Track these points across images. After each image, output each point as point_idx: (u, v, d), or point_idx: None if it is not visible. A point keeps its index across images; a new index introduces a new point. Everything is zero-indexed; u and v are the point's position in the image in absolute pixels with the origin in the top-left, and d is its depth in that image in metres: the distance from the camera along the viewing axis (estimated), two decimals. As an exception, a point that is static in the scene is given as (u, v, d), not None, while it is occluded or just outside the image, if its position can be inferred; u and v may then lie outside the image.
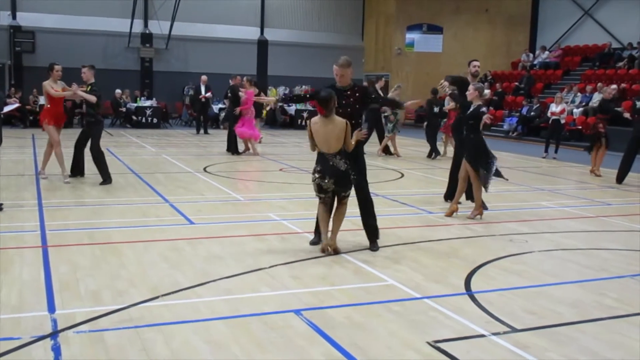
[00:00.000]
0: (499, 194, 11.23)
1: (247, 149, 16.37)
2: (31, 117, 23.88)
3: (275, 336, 4.55)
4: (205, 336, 4.52)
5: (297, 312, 5.03)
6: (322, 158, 6.74)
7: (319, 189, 6.78)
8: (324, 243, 6.82)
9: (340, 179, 6.67)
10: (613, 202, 10.89)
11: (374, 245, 7.05)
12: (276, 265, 6.30)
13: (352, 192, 6.96)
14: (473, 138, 8.77)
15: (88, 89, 11.48)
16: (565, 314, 5.23)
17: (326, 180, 6.67)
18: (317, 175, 6.73)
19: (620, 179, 13.06)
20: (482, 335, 4.66)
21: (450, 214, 8.95)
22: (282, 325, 4.76)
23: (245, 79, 16.29)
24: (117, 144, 18.47)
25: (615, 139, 14.60)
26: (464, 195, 9.30)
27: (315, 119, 6.69)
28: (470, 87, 8.95)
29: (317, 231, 7.21)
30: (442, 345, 4.44)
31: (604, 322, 5.08)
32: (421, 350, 4.38)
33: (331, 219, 6.91)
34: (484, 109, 8.84)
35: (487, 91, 9.45)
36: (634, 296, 5.77)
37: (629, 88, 22.25)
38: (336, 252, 6.78)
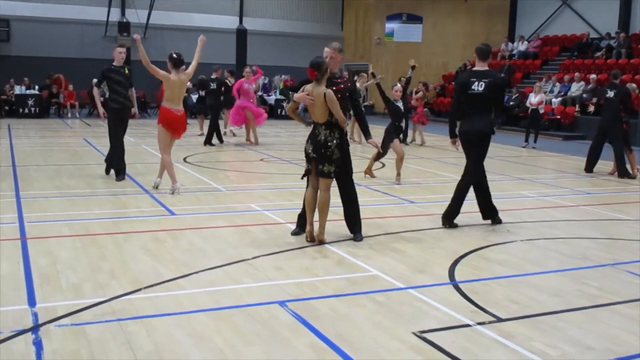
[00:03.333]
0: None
1: (250, 138, 16.49)
2: (7, 107, 23.55)
3: (260, 328, 4.51)
4: (188, 329, 4.47)
5: (282, 303, 4.99)
6: (313, 125, 6.79)
7: (305, 155, 6.85)
8: (308, 229, 6.83)
9: (319, 148, 6.62)
10: (592, 191, 10.97)
11: (357, 236, 7.02)
12: (259, 257, 6.26)
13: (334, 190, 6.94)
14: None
15: (126, 71, 10.35)
16: (549, 303, 5.25)
17: (308, 144, 6.73)
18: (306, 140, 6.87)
19: (589, 168, 13.17)
20: (468, 325, 4.66)
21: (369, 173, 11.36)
22: (267, 316, 4.72)
23: (226, 71, 16.37)
24: (95, 134, 18.26)
25: (590, 128, 14.60)
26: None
27: (309, 86, 6.69)
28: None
29: (299, 222, 7.18)
30: (427, 336, 4.43)
31: (587, 311, 5.10)
32: (407, 340, 4.37)
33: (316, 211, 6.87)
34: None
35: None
36: (616, 285, 5.81)
37: (607, 78, 22.39)
38: (321, 242, 6.76)
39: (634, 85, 14.02)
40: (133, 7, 28.24)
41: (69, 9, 27.47)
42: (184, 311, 4.78)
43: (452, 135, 7.99)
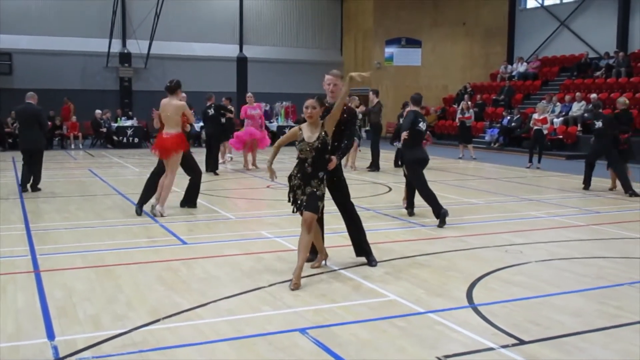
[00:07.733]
0: (489, 205, 11.26)
1: (249, 165, 16.62)
2: (10, 140, 23.61)
3: (283, 356, 4.48)
4: (211, 359, 4.44)
5: (302, 330, 4.96)
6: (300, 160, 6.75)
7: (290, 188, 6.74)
8: (319, 257, 6.86)
9: (307, 180, 6.53)
10: (601, 210, 10.96)
11: (371, 259, 6.99)
12: (275, 284, 6.23)
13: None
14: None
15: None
16: (570, 323, 5.22)
17: (296, 177, 6.68)
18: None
19: (586, 184, 13.42)
20: (491, 349, 4.62)
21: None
22: (289, 344, 4.68)
23: (225, 99, 16.68)
24: (99, 164, 18.31)
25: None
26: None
27: (304, 126, 6.61)
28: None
29: (312, 249, 7.13)
30: (452, 360, 4.40)
31: (609, 331, 5.07)
32: (432, 365, 4.33)
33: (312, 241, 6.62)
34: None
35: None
36: (635, 304, 5.77)
37: (607, 97, 22.51)
38: (296, 287, 6.08)
39: (621, 99, 14.17)
40: (134, 37, 28.44)
41: (71, 41, 27.69)
42: (205, 341, 4.75)
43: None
